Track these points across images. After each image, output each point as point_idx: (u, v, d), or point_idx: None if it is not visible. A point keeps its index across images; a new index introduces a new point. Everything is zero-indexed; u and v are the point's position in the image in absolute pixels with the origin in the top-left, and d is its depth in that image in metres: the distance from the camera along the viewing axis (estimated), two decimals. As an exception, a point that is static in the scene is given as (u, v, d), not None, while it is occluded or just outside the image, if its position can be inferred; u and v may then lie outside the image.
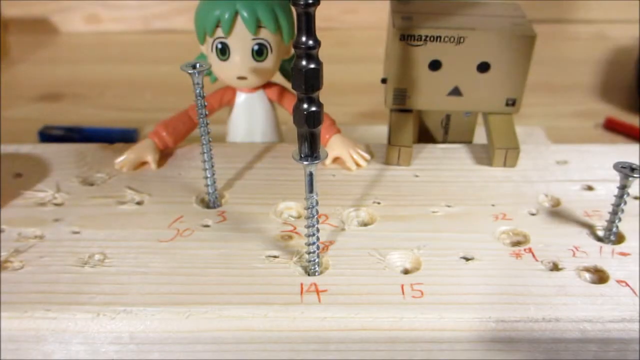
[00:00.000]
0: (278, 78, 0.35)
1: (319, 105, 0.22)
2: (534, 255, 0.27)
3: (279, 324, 0.24)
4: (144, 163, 0.33)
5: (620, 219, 0.27)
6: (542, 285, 0.25)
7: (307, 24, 0.21)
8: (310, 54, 0.21)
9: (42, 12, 0.75)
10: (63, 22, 0.75)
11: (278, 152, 0.34)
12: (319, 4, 0.20)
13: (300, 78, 0.21)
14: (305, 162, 0.23)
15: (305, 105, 0.22)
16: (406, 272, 0.26)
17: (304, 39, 0.21)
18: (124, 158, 0.33)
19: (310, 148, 0.23)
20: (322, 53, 0.22)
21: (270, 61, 0.33)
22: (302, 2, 0.20)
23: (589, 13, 0.76)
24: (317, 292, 0.25)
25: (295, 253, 0.26)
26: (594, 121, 0.54)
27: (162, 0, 0.74)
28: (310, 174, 0.24)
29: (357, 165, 0.33)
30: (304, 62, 0.21)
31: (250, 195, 0.31)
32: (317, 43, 0.21)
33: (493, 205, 0.30)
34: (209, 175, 0.29)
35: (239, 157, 0.34)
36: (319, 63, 0.21)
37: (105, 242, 0.27)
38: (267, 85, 0.35)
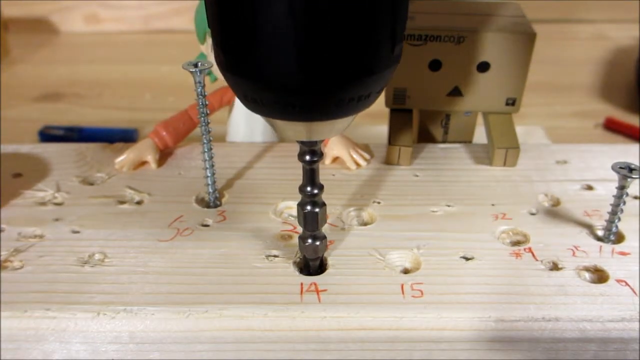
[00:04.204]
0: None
1: (323, 238, 0.25)
2: (533, 255, 0.27)
3: (278, 323, 0.24)
4: (143, 163, 0.33)
5: (619, 219, 0.27)
6: (541, 285, 0.25)
7: (312, 176, 0.23)
8: (315, 200, 0.24)
9: (42, 12, 0.75)
10: (63, 22, 0.75)
11: (278, 152, 0.34)
12: (322, 158, 0.23)
13: (306, 220, 0.24)
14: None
15: (310, 241, 0.25)
16: (406, 271, 0.26)
17: (309, 188, 0.23)
18: (124, 158, 0.33)
19: (317, 269, 0.26)
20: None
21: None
22: (307, 160, 0.22)
23: (589, 13, 0.76)
24: (317, 291, 0.25)
25: (296, 253, 0.26)
26: (594, 121, 0.54)
27: (162, 0, 0.74)
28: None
29: (357, 165, 0.33)
30: (309, 208, 0.24)
31: (250, 194, 0.31)
32: (321, 189, 0.23)
33: (493, 204, 0.30)
34: (209, 175, 0.29)
35: (239, 157, 0.34)
36: (322, 205, 0.24)
37: (105, 241, 0.27)
38: (267, 85, 0.35)
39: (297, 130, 0.21)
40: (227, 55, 0.20)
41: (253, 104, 0.20)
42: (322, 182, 0.24)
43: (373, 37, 0.19)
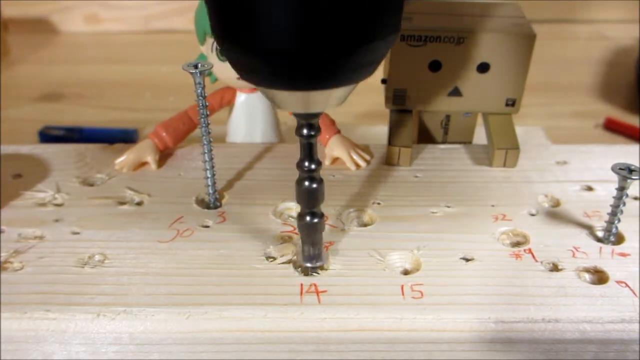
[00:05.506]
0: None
1: (321, 216, 0.24)
2: (533, 256, 0.27)
3: (278, 324, 0.24)
4: (143, 163, 0.33)
5: (619, 220, 0.27)
6: (541, 286, 0.25)
7: (310, 151, 0.23)
8: (313, 176, 0.23)
9: (42, 12, 0.75)
10: (63, 22, 0.75)
11: (278, 153, 0.34)
12: (320, 134, 0.22)
13: (304, 197, 0.24)
14: (309, 264, 0.25)
15: (308, 219, 0.24)
16: (406, 272, 0.26)
17: (306, 163, 0.23)
18: (124, 158, 0.33)
19: (314, 252, 0.25)
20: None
21: (270, 62, 0.33)
22: (305, 134, 0.22)
23: (589, 13, 0.76)
24: (317, 292, 0.25)
25: (296, 253, 0.26)
26: (594, 121, 0.54)
27: (162, 0, 0.74)
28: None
29: (357, 165, 0.33)
30: (306, 183, 0.23)
31: (250, 195, 0.31)
32: (319, 165, 0.23)
33: (493, 205, 0.30)
34: (209, 176, 0.29)
35: (239, 158, 0.34)
36: (320, 182, 0.23)
37: (105, 242, 0.27)
38: (267, 85, 0.35)
39: (294, 101, 0.20)
40: (222, 23, 0.19)
41: (249, 74, 0.20)
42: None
43: (372, 4, 0.18)
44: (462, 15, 0.34)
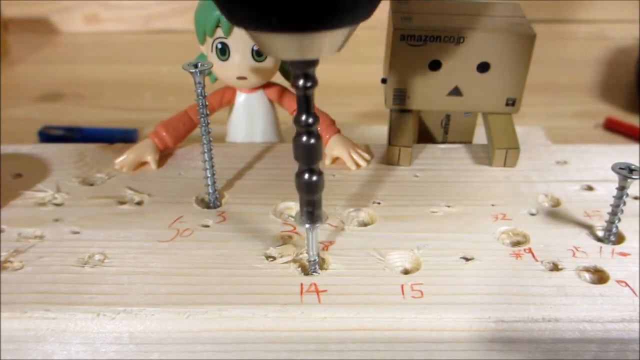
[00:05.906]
0: (278, 78, 0.35)
1: (320, 174, 0.23)
2: (533, 256, 0.27)
3: (279, 324, 0.24)
4: (143, 163, 0.33)
5: (619, 219, 0.27)
6: (541, 286, 0.25)
7: (307, 104, 0.22)
8: (311, 130, 0.22)
9: (42, 12, 0.75)
10: (63, 22, 0.75)
11: (278, 153, 0.34)
12: (317, 85, 0.21)
13: (301, 152, 0.23)
14: (307, 225, 0.24)
15: (306, 176, 0.23)
16: (406, 272, 0.26)
17: (304, 117, 0.22)
18: (124, 158, 0.33)
19: (313, 212, 0.24)
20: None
21: (270, 61, 0.33)
22: (301, 85, 0.21)
23: (589, 13, 0.76)
24: (317, 292, 0.25)
25: (294, 253, 0.26)
26: (594, 121, 0.54)
27: (162, 0, 0.74)
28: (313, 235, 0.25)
29: (357, 165, 0.33)
30: (304, 138, 0.22)
31: (250, 195, 0.31)
32: (317, 119, 0.22)
33: (493, 205, 0.30)
34: (209, 175, 0.29)
35: (239, 157, 0.34)
36: (318, 137, 0.22)
37: (105, 242, 0.27)
38: (267, 85, 0.35)
39: (287, 46, 0.20)
40: None
41: (241, 18, 0.20)
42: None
43: None
44: (462, 15, 0.34)
